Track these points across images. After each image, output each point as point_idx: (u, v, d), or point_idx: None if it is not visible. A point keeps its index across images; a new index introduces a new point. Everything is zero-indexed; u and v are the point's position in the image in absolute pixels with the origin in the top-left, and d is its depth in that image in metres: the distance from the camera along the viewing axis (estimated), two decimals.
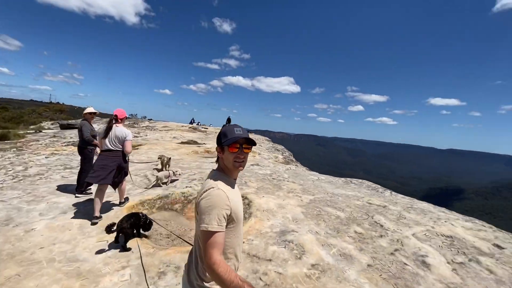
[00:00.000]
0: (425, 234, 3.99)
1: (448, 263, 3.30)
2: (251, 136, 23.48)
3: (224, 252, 1.23)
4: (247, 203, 4.60)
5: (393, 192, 6.33)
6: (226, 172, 1.35)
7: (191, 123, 32.53)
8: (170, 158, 6.54)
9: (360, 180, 7.36)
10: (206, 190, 1.19)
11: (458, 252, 3.57)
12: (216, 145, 1.39)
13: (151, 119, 39.17)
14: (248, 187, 5.48)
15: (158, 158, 6.65)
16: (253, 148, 14.59)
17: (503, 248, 3.78)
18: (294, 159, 15.23)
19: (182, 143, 11.60)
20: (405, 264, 3.18)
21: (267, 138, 24.06)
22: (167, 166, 6.43)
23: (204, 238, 1.12)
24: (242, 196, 4.87)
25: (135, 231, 3.35)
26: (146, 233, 3.56)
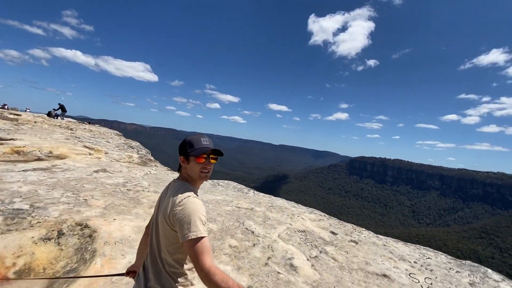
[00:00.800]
0: (287, 233, 4.34)
1: (308, 260, 3.67)
2: (92, 127, 18.92)
3: (188, 262, 1.26)
4: (88, 234, 3.24)
5: (255, 192, 6.74)
6: (190, 182, 1.34)
7: None
8: None
9: (226, 182, 7.38)
10: (181, 200, 1.19)
11: (312, 246, 4.09)
12: (181, 155, 1.35)
13: None
14: (90, 208, 3.97)
15: None
16: (96, 146, 11.67)
17: (336, 234, 4.74)
18: (152, 158, 13.57)
19: None
20: (279, 273, 3.22)
21: (118, 132, 20.29)
22: None
23: (193, 246, 1.09)
24: (80, 225, 3.43)
25: None
26: None
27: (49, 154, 7.39)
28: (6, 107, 22.94)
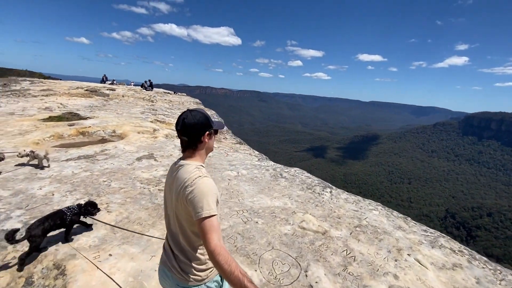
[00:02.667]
0: None
1: None
2: (175, 97, 19.70)
3: None
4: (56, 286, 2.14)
5: (333, 190, 4.65)
6: (200, 159, 1.34)
7: (103, 81, 26.27)
8: None
9: (293, 171, 5.48)
10: (193, 181, 1.20)
11: None
12: (205, 131, 1.30)
13: (49, 77, 30.51)
14: (92, 231, 2.94)
15: None
16: (169, 118, 11.58)
17: None
18: (225, 128, 12.87)
19: (50, 118, 7.87)
20: None
21: (198, 101, 20.74)
22: None
23: (202, 224, 1.13)
24: (57, 267, 2.37)
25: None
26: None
27: (112, 134, 7.20)
28: (114, 82, 26.89)
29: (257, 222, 3.39)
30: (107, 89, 16.47)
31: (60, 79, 26.58)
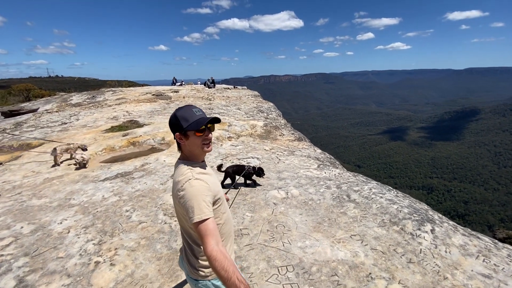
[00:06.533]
0: None
1: None
2: (233, 92, 19.38)
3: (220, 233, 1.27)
4: None
5: (436, 228, 2.93)
6: (191, 158, 1.31)
7: (173, 83, 28.33)
8: None
9: (367, 190, 3.81)
10: (182, 185, 1.19)
11: None
12: (176, 132, 1.27)
13: (133, 84, 34.79)
14: None
15: None
16: (226, 117, 11.04)
17: None
18: (282, 122, 11.67)
19: (111, 128, 8.20)
20: None
21: (256, 93, 20.00)
22: None
23: (198, 229, 1.13)
24: None
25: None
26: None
27: (161, 142, 6.93)
28: (183, 83, 28.65)
29: None
30: (172, 91, 17.26)
31: (149, 85, 29.78)
